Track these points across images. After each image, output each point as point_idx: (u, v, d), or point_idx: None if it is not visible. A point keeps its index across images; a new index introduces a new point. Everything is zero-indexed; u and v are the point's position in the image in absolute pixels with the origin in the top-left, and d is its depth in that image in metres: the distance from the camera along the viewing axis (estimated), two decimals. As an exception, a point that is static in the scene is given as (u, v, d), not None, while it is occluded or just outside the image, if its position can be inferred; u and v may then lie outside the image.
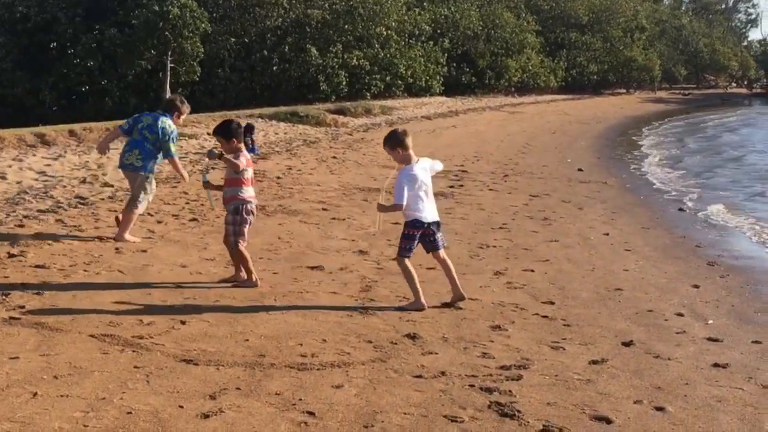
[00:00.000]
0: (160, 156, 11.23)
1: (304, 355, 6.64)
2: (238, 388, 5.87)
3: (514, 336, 7.42)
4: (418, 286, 8.28)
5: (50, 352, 6.45)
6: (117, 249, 10.41)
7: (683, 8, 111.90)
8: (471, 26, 54.27)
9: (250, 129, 22.71)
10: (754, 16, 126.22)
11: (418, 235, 8.32)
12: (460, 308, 8.27)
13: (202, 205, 13.83)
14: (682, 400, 6.02)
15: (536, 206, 15.65)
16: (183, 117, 11.35)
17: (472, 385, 6.09)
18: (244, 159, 8.99)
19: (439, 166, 8.79)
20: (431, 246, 8.46)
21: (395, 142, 8.26)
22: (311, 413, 5.47)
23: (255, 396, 5.74)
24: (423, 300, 8.24)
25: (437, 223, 8.49)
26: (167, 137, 11.05)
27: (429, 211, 8.37)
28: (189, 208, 13.57)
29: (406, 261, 8.33)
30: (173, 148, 11.17)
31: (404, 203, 8.17)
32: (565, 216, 14.72)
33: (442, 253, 8.51)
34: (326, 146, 25.04)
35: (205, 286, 8.79)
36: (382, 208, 8.74)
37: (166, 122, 11.09)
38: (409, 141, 8.27)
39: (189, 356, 6.49)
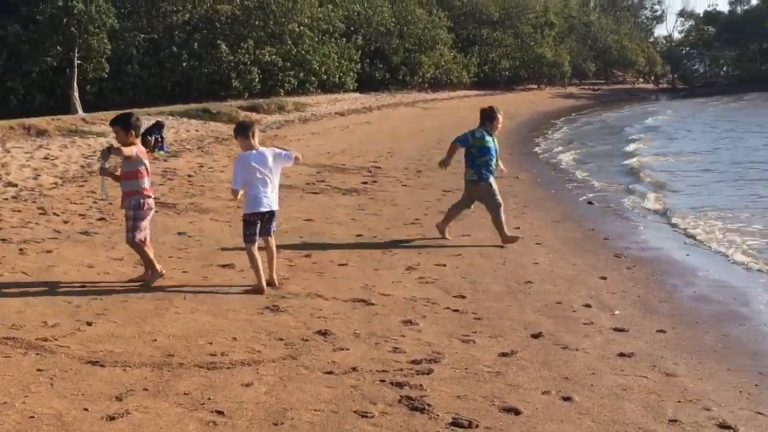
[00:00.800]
0: None
1: (213, 354, 6.56)
2: (145, 389, 5.77)
3: (426, 330, 7.45)
4: (261, 272, 8.67)
5: (-52, 358, 6.24)
6: (21, 250, 10.14)
7: (591, 4, 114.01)
8: (384, 22, 54.40)
9: (159, 126, 22.40)
10: (659, 13, 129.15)
11: (258, 221, 8.80)
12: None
13: (110, 204, 13.56)
14: (588, 389, 6.11)
15: (449, 201, 15.70)
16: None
17: (382, 380, 6.09)
18: (136, 149, 8.89)
19: (287, 157, 9.06)
20: (263, 231, 8.91)
21: (237, 130, 9.11)
22: (220, 412, 5.40)
23: (163, 396, 5.65)
24: (263, 284, 8.65)
25: (273, 212, 8.96)
26: None
27: (267, 200, 8.82)
28: (97, 207, 13.29)
29: (253, 248, 8.72)
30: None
31: (238, 188, 8.85)
32: (477, 210, 14.82)
33: (271, 239, 9.01)
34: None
35: (113, 286, 8.62)
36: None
37: None
38: (252, 131, 8.91)
39: (95, 358, 6.36)
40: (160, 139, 21.81)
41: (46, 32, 34.52)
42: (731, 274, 10.59)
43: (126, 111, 9.65)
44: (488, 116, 12.22)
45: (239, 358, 6.47)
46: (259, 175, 8.72)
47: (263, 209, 8.77)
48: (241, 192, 8.94)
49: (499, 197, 11.99)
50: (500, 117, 12.23)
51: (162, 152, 21.05)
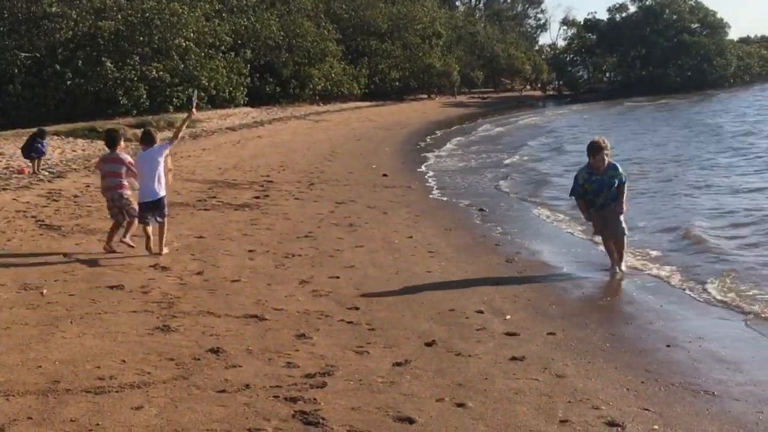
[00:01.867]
0: None
1: (101, 378, 6.39)
2: (29, 418, 5.58)
3: (319, 344, 7.41)
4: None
5: None
6: None
7: (477, 15, 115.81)
8: (272, 36, 54.13)
9: (41, 134, 21.82)
10: (543, 21, 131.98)
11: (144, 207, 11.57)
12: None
13: (-8, 228, 13.15)
14: (482, 394, 6.18)
15: (342, 213, 15.76)
16: None
17: (276, 396, 6.04)
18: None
19: (163, 149, 11.84)
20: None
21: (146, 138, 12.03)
22: (109, 438, 5.27)
23: (48, 424, 5.47)
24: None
25: (153, 202, 11.55)
26: None
27: (145, 192, 11.56)
28: (-22, 232, 12.84)
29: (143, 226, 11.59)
30: None
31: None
32: (370, 221, 14.90)
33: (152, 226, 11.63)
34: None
35: (-6, 313, 8.33)
36: None
37: None
38: (146, 138, 12.02)
39: (-24, 388, 6.12)
40: (41, 146, 21.28)
41: None
42: (617, 275, 10.85)
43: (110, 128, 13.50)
44: (589, 151, 10.71)
45: (128, 381, 6.32)
46: (142, 170, 11.72)
47: (143, 200, 11.59)
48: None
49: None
50: (604, 152, 10.51)
51: (47, 174, 20.50)
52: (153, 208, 11.55)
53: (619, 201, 10.67)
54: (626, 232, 10.89)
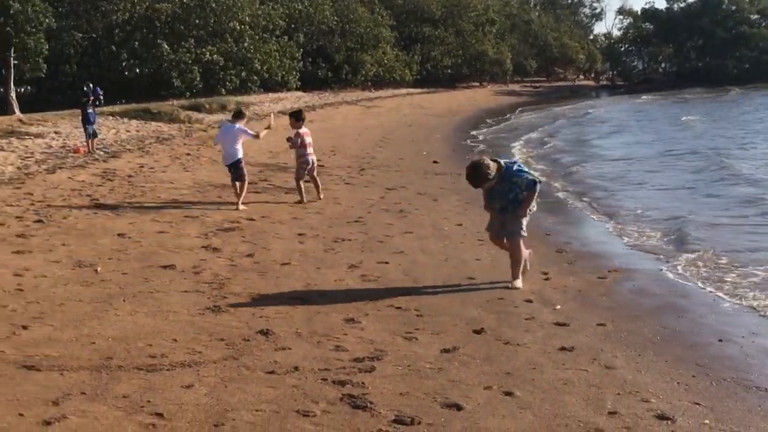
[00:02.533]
0: None
1: (153, 356, 6.48)
2: (83, 393, 5.67)
3: (368, 328, 7.44)
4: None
5: None
6: (-45, 254, 9.93)
7: (532, 3, 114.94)
8: (326, 21, 54.28)
9: (85, 94, 22.34)
10: (598, 11, 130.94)
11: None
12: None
13: (48, 206, 13.37)
14: (530, 384, 6.15)
15: (392, 199, 15.77)
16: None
17: (324, 379, 6.07)
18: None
19: (243, 132, 14.77)
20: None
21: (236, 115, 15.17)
22: (160, 415, 5.34)
23: (101, 400, 5.56)
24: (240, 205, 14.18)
25: (233, 164, 14.47)
26: None
27: (228, 156, 14.52)
28: (34, 210, 13.05)
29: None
30: None
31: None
32: (420, 208, 14.88)
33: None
34: (180, 143, 24.59)
35: (50, 289, 8.47)
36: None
37: None
38: (237, 114, 15.22)
39: (30, 362, 6.24)
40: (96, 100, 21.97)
41: (-19, 33, 33.83)
42: (669, 268, 10.73)
43: (295, 110, 16.15)
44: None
45: (179, 360, 6.40)
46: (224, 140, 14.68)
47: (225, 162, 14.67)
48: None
49: None
50: (483, 176, 9.37)
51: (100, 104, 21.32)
52: (234, 169, 14.42)
53: (523, 206, 9.27)
54: (523, 233, 9.42)
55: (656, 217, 14.78)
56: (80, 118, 21.97)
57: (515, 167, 9.37)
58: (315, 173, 15.33)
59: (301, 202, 14.74)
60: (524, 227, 9.38)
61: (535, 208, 9.53)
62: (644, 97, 70.49)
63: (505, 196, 9.36)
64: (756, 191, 17.53)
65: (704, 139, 31.50)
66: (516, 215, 9.31)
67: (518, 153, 27.13)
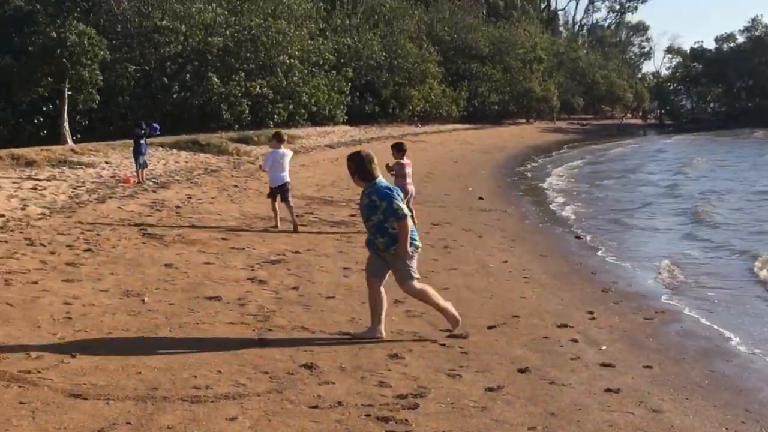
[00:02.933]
0: None
1: (198, 387, 6.51)
2: (128, 423, 5.72)
3: (412, 364, 7.42)
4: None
5: (-70, 389, 6.18)
6: (6, 281, 10.08)
7: (580, 41, 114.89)
8: (374, 56, 54.63)
9: (138, 125, 22.67)
10: (647, 50, 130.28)
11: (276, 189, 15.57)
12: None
13: (98, 234, 13.55)
14: (575, 425, 6.09)
15: (437, 234, 15.76)
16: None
17: (368, 415, 6.06)
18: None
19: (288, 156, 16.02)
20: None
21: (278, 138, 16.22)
22: (203, 447, 5.36)
23: (145, 430, 5.60)
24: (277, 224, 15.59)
25: (281, 186, 15.56)
26: None
27: (276, 178, 15.57)
28: (84, 239, 13.23)
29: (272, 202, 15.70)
30: None
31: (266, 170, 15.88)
32: (465, 244, 14.87)
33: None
34: (228, 175, 24.83)
35: (98, 318, 8.57)
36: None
37: None
38: (277, 137, 16.24)
39: (78, 391, 6.31)
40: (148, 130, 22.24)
41: (38, 63, 34.57)
42: (718, 311, 10.59)
43: (398, 141, 17.30)
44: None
45: (224, 392, 6.43)
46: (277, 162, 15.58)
47: (276, 183, 15.54)
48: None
49: None
50: (358, 165, 8.59)
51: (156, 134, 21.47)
52: (282, 189, 15.53)
53: (400, 243, 8.11)
54: (414, 281, 8.44)
55: (706, 257, 14.62)
56: (131, 148, 22.27)
57: (385, 188, 8.17)
58: (411, 204, 15.37)
59: None
60: (413, 268, 8.36)
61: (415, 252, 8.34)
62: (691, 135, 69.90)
63: (365, 215, 8.26)
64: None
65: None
66: (396, 254, 8.15)
67: (558, 179, 27.02)
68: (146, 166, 22.09)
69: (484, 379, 7.07)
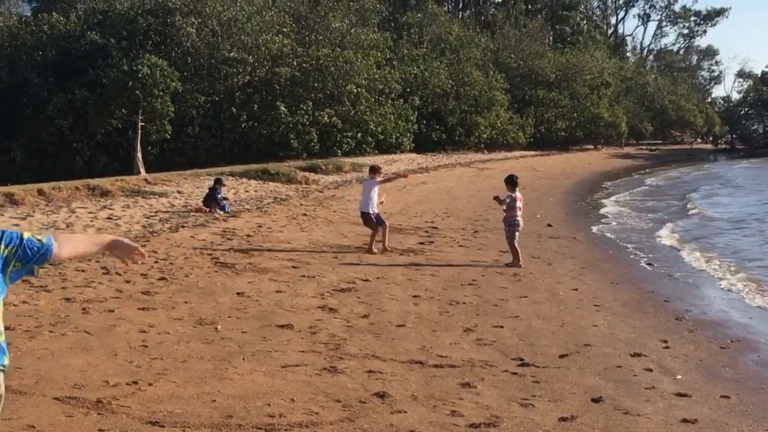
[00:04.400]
0: None
1: (272, 416, 6.58)
2: (204, 450, 5.80)
3: (484, 393, 7.40)
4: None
5: (12, 416, 6.34)
6: (84, 309, 10.31)
7: (648, 66, 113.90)
8: (441, 84, 54.85)
9: (218, 181, 22.83)
10: (717, 74, 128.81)
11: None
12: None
13: (171, 264, 13.78)
14: (651, 456, 6.01)
15: (506, 262, 15.68)
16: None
17: (441, 444, 6.06)
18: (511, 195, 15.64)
19: (376, 183, 16.83)
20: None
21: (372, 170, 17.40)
22: (279, 475, 5.41)
23: (222, 458, 5.67)
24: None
25: (365, 213, 16.57)
26: None
27: (363, 204, 16.59)
28: (158, 267, 13.47)
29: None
30: None
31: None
32: (535, 272, 14.78)
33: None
34: (297, 203, 25.06)
35: (173, 346, 8.71)
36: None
37: None
38: (373, 169, 17.36)
39: (155, 418, 6.42)
40: (221, 200, 22.14)
41: (112, 95, 35.47)
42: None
43: (511, 174, 16.77)
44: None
45: (297, 420, 6.49)
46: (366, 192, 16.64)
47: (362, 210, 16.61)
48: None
49: None
50: None
51: (223, 212, 21.35)
52: (366, 218, 16.52)
53: None
54: None
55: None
56: (206, 195, 22.32)
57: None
58: (519, 234, 15.71)
59: (516, 264, 15.22)
60: None
61: None
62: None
63: None
64: None
65: None
66: None
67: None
68: (223, 209, 21.94)
69: (557, 409, 7.02)
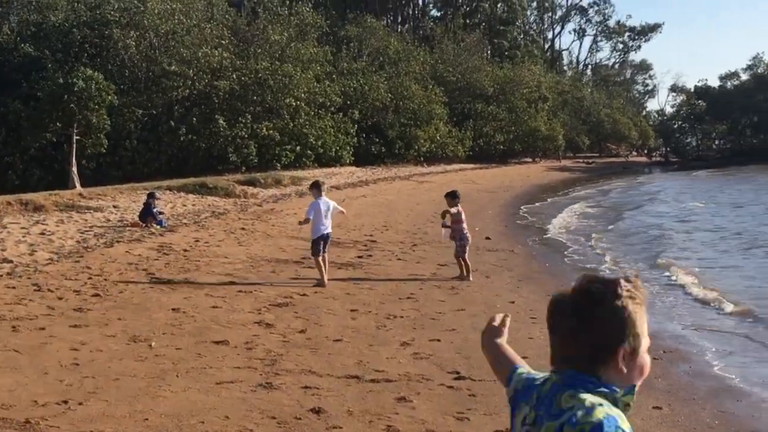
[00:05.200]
0: None
1: (205, 434, 6.50)
2: (135, 470, 5.70)
3: (420, 407, 7.40)
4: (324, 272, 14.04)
5: (-63, 438, 6.18)
6: (14, 327, 10.10)
7: (584, 80, 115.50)
8: (380, 98, 54.95)
9: (151, 195, 22.49)
10: (651, 87, 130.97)
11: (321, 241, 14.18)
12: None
13: (105, 279, 13.59)
14: (584, 468, 6.04)
15: (444, 275, 15.75)
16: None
17: (376, 460, 6.04)
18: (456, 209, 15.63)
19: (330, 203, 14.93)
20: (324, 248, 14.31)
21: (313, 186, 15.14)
22: (211, 494, 5.34)
23: (153, 478, 5.59)
24: (325, 279, 13.98)
25: (327, 234, 14.52)
26: None
27: (321, 228, 14.33)
28: (91, 283, 13.26)
29: (318, 257, 14.15)
30: None
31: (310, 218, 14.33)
32: (472, 285, 14.85)
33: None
34: (235, 218, 24.87)
35: (105, 364, 8.57)
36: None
37: None
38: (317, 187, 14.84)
39: (85, 438, 6.30)
40: (158, 214, 21.88)
41: (46, 109, 34.89)
42: (725, 349, 10.55)
43: (451, 190, 16.88)
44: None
45: (231, 438, 6.42)
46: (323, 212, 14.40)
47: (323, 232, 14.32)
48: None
49: None
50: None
51: (159, 227, 21.10)
52: (326, 240, 14.49)
53: None
54: None
55: (709, 295, 14.58)
56: (141, 210, 22.00)
57: None
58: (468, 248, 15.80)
59: (465, 278, 15.18)
60: None
61: None
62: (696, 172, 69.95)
63: None
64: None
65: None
66: None
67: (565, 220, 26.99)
68: (159, 223, 21.68)
69: (491, 422, 7.05)
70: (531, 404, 2.55)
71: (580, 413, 2.26)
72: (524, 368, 2.85)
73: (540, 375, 2.66)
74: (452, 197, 16.12)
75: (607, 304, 2.36)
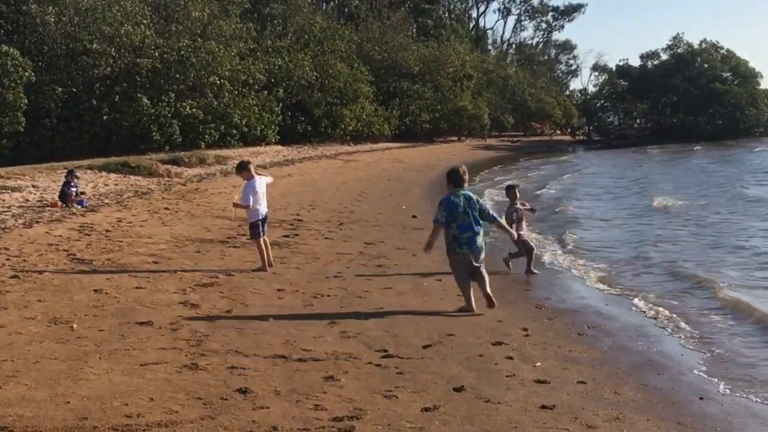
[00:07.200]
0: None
1: (129, 416, 6.38)
2: (56, 455, 5.56)
3: (347, 386, 7.37)
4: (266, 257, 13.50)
5: None
6: (-72, 310, 9.79)
7: (508, 59, 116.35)
8: (305, 76, 54.56)
9: (70, 174, 21.97)
10: (574, 67, 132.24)
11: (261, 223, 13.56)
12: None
13: (24, 261, 13.27)
14: (511, 443, 6.10)
15: (371, 254, 15.74)
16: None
17: (304, 439, 5.99)
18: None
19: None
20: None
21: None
22: (135, 477, 5.24)
23: (75, 462, 5.46)
24: (268, 263, 13.54)
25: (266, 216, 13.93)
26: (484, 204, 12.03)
27: (262, 210, 13.81)
28: (10, 265, 12.93)
29: (260, 240, 13.54)
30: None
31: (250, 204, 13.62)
32: (399, 263, 14.86)
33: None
34: (158, 197, 24.49)
35: (24, 347, 8.35)
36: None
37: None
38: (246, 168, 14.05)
39: (3, 423, 6.13)
40: (79, 194, 21.43)
41: (-41, 86, 33.89)
42: (648, 324, 10.74)
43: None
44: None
45: (156, 420, 6.31)
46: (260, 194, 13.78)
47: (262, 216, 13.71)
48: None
49: None
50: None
51: (80, 207, 20.66)
52: (265, 221, 13.88)
53: None
54: None
55: (635, 269, 14.83)
56: (61, 190, 21.49)
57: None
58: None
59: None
60: None
61: None
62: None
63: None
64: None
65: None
66: None
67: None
68: (80, 202, 21.25)
69: (420, 399, 7.05)
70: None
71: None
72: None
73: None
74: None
75: None
